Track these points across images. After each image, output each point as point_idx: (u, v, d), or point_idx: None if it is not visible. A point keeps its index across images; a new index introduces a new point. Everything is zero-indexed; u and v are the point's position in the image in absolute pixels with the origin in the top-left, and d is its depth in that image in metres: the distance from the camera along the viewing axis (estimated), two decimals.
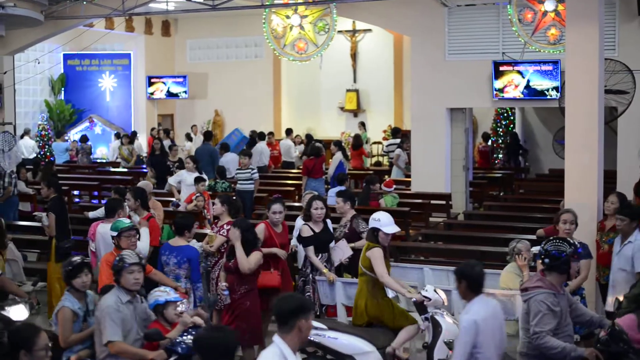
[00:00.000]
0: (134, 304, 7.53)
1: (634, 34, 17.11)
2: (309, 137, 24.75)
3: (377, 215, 9.06)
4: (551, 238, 7.21)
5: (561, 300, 6.83)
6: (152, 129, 27.56)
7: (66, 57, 29.31)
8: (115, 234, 9.13)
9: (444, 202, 17.72)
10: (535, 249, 8.65)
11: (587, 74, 11.23)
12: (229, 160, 20.31)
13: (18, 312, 8.89)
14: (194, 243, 10.22)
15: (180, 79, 29.51)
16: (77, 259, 7.88)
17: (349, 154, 22.16)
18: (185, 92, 29.41)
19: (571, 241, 7.10)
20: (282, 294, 6.32)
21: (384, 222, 8.94)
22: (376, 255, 8.82)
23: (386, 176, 19.92)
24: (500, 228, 14.40)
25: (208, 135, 22.02)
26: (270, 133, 25.33)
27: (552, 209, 13.37)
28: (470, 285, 6.69)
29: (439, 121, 18.76)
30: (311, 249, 10.39)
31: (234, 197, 13.45)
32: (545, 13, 16.76)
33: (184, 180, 16.33)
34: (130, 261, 7.53)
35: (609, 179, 14.84)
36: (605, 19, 12.58)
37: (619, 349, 6.72)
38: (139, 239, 9.49)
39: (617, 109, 16.14)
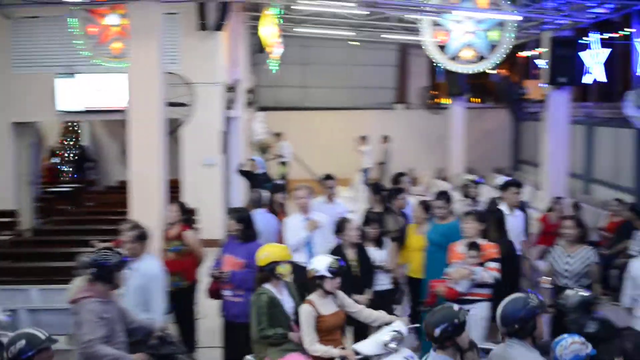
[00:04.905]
0: None
1: (194, 48, 17.80)
2: None
3: None
4: (101, 248, 7.35)
5: (111, 308, 7.00)
6: None
7: None
8: None
9: (10, 219, 17.21)
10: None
11: (148, 86, 11.57)
12: None
13: None
14: None
15: None
16: None
17: None
18: None
19: (119, 251, 7.31)
20: None
21: None
22: None
23: None
24: (70, 242, 14.28)
25: None
26: None
27: (120, 220, 13.53)
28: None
29: (3, 136, 18.17)
30: None
31: None
32: (108, 27, 16.86)
33: None
34: None
35: (174, 187, 15.34)
36: (167, 33, 12.99)
37: (169, 350, 7.15)
38: None
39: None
